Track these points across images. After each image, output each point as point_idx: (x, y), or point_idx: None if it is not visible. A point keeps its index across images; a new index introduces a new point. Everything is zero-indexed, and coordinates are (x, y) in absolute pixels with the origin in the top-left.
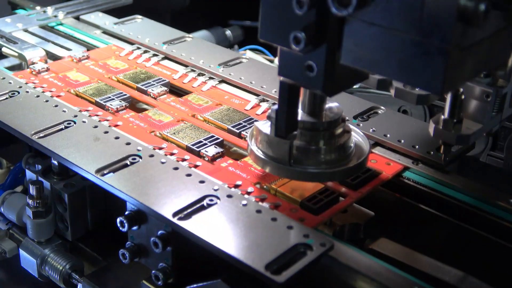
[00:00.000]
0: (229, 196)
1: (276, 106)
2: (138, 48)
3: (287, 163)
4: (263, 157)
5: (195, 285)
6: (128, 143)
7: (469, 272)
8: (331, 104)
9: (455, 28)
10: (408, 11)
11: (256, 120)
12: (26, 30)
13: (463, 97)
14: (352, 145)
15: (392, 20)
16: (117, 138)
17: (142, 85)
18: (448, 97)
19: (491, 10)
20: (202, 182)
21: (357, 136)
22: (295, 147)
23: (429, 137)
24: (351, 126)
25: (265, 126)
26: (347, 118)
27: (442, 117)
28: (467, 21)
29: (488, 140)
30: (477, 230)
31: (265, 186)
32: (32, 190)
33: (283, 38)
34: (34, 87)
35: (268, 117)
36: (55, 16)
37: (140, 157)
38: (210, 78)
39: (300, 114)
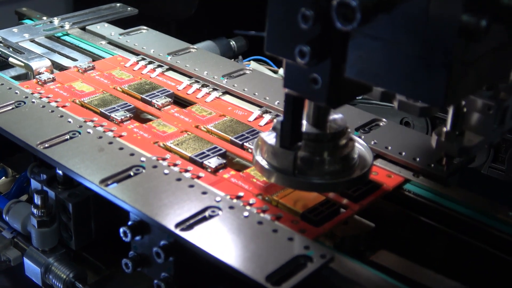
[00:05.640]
0: (231, 207)
1: (281, 118)
2: (143, 59)
3: (291, 173)
4: (268, 167)
5: None
6: (132, 154)
7: (469, 285)
8: (335, 115)
9: (457, 43)
10: (412, 26)
11: (259, 132)
12: (32, 40)
13: (465, 109)
14: (355, 156)
15: (396, 34)
16: (121, 148)
17: (146, 96)
18: (451, 110)
19: (493, 25)
20: (204, 193)
21: (360, 147)
22: (299, 157)
23: (430, 149)
24: (355, 137)
25: (270, 137)
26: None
27: (445, 129)
28: (469, 36)
29: (489, 152)
30: (477, 242)
31: (266, 198)
32: (37, 199)
33: (288, 52)
34: (40, 97)
35: (274, 128)
36: (62, 27)
37: (144, 168)
38: (214, 89)
39: (305, 125)
